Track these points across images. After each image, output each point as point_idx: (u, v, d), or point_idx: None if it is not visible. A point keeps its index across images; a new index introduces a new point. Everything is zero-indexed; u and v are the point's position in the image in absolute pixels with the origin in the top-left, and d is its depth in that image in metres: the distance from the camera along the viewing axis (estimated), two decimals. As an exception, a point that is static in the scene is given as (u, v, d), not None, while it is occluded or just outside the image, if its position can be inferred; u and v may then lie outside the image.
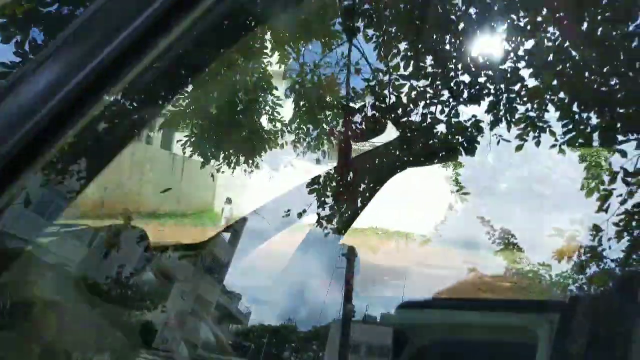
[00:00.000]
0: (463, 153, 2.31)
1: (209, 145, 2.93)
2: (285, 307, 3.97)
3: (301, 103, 2.29)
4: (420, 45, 2.41)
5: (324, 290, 3.38)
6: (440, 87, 2.38)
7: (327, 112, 2.26)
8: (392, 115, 2.27)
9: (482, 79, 2.47)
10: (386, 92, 2.33)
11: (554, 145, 2.44)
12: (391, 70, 2.27)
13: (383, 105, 2.27)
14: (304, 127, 2.35)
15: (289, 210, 2.73)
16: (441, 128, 2.38)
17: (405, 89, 2.28)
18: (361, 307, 4.09)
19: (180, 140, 3.17)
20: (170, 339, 3.46)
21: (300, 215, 2.59)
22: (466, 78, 2.47)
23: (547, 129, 2.50)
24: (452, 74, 2.46)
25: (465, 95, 2.43)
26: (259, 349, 3.59)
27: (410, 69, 2.28)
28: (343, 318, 3.75)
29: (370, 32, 2.32)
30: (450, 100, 2.40)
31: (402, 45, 2.27)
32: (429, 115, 2.35)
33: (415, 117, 2.34)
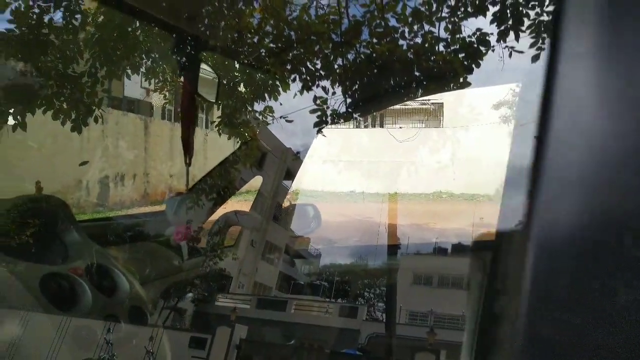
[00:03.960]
0: (463, 71, 2.26)
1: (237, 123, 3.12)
2: (350, 247, 4.19)
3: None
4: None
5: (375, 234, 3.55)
6: (439, 3, 2.33)
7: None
8: (389, 39, 2.29)
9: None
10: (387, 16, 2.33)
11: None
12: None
13: (380, 30, 2.28)
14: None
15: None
16: (442, 48, 2.34)
17: (399, 9, 2.27)
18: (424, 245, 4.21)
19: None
20: (246, 283, 3.84)
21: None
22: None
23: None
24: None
25: (468, 7, 2.37)
26: (331, 286, 3.84)
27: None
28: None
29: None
30: (451, 16, 2.35)
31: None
32: (429, 36, 2.33)
33: (416, 40, 2.34)
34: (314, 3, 2.31)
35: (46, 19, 2.89)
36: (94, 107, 3.32)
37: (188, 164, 2.13)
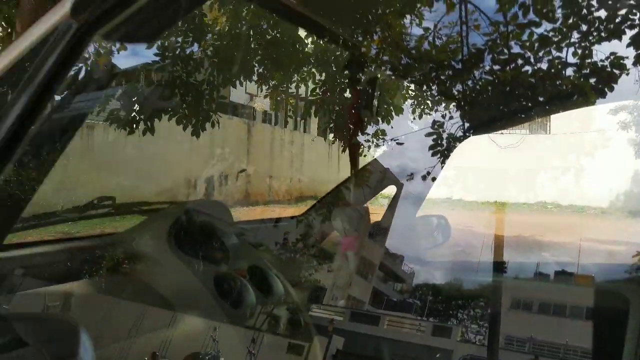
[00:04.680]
0: (595, 95, 2.14)
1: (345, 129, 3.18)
2: (446, 267, 4.12)
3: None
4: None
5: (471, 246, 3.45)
6: (569, 29, 2.22)
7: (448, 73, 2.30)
8: (513, 66, 2.21)
9: (622, 11, 2.23)
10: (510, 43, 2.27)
11: None
12: (509, 20, 2.21)
13: (503, 57, 2.22)
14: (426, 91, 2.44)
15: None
16: (570, 72, 2.23)
17: (526, 37, 2.20)
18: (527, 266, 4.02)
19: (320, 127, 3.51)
20: (339, 296, 3.89)
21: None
22: (602, 13, 2.27)
23: None
24: (583, 11, 2.28)
25: (602, 32, 2.23)
26: (424, 304, 3.80)
27: (531, 15, 2.19)
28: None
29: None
30: (582, 41, 2.23)
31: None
32: (556, 61, 2.22)
33: (541, 65, 2.24)
34: (433, 34, 2.30)
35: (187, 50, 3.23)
36: (212, 113, 3.58)
37: None
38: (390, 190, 3.61)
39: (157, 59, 3.11)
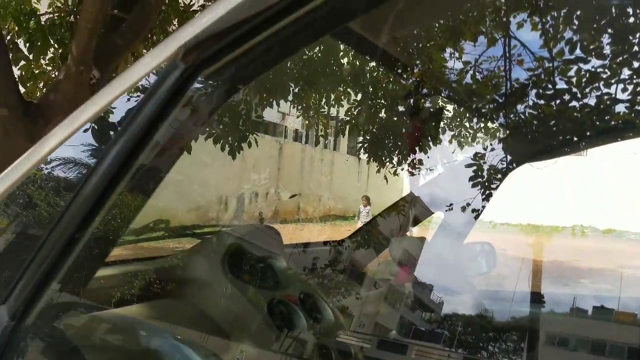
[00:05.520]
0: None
1: (380, 149, 3.17)
2: (477, 298, 4.02)
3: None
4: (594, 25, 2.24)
5: (513, 281, 3.34)
6: (619, 66, 2.17)
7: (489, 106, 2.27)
8: (559, 102, 2.17)
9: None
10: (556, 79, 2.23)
11: None
12: (554, 56, 2.17)
13: (549, 93, 2.18)
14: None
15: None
16: (621, 108, 2.17)
17: (572, 73, 2.15)
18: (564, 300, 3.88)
19: (354, 147, 3.52)
20: (367, 323, 3.85)
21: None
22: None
23: None
24: (635, 48, 2.22)
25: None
26: (453, 336, 3.72)
27: (578, 51, 2.14)
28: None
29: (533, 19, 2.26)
30: (634, 77, 2.17)
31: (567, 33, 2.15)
32: (605, 97, 2.17)
33: (588, 100, 2.19)
34: (474, 68, 2.28)
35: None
36: (248, 133, 3.62)
37: None
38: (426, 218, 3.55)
39: (200, 86, 3.13)
